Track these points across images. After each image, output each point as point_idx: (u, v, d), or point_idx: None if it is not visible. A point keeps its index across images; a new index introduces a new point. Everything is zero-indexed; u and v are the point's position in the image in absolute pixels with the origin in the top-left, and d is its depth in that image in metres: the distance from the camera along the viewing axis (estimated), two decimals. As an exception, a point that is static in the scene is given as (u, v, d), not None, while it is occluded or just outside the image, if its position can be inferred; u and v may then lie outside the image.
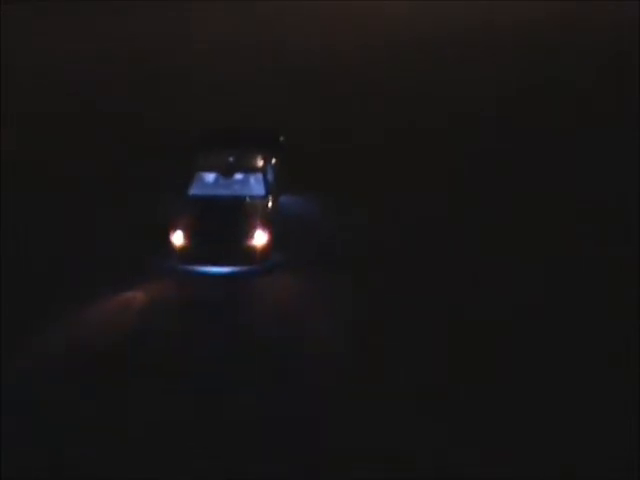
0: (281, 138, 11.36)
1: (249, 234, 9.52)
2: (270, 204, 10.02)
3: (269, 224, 9.62)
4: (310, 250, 9.72)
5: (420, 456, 6.25)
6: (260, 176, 10.21)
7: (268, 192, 10.12)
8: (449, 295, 8.33)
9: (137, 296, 8.95)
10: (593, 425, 6.48)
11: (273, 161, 10.64)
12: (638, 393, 6.75)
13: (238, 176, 10.23)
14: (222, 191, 10.17)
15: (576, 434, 6.40)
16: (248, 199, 10.01)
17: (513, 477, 6.06)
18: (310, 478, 6.21)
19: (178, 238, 9.47)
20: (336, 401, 6.89)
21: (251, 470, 6.27)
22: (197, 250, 9.55)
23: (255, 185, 10.18)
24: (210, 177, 10.30)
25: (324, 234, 10.03)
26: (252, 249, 9.54)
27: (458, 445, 6.33)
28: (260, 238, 9.48)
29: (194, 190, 10.15)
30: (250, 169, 10.32)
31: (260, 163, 10.39)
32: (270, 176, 10.34)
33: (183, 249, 9.52)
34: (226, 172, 10.23)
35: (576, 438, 6.36)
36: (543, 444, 6.33)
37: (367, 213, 10.30)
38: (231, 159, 10.42)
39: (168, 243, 9.44)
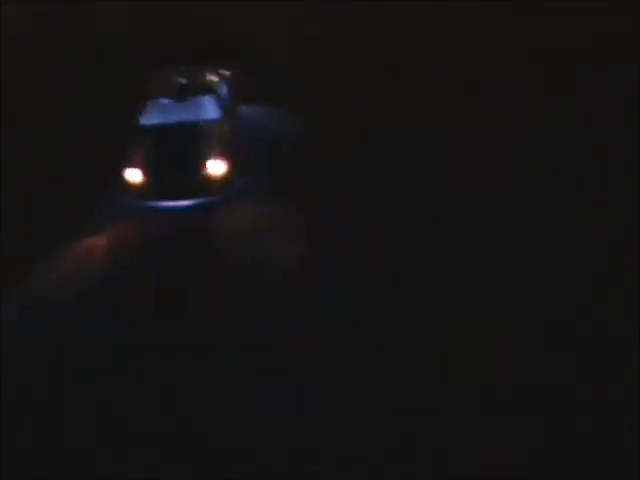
0: (232, 47, 11.01)
1: (207, 163, 8.94)
2: (227, 126, 9.34)
3: (228, 149, 9.05)
4: (273, 172, 9.20)
5: (420, 456, 6.25)
6: (214, 97, 9.54)
7: (224, 113, 9.42)
8: (446, 293, 8.36)
9: (98, 241, 8.64)
10: (593, 425, 6.48)
11: (228, 74, 10.00)
12: (638, 393, 6.74)
13: (190, 99, 9.53)
14: (174, 118, 9.48)
15: (576, 434, 6.40)
16: (203, 124, 9.32)
17: (513, 477, 6.06)
18: (310, 478, 6.20)
19: (133, 175, 8.96)
20: (329, 392, 6.90)
21: (250, 470, 6.27)
22: (154, 185, 9.00)
23: (209, 108, 9.52)
24: (161, 103, 9.61)
25: (288, 152, 9.52)
26: (211, 179, 8.97)
27: (458, 445, 6.34)
28: (218, 167, 8.92)
29: (145, 120, 9.52)
30: (203, 89, 9.59)
31: (213, 80, 9.70)
32: (225, 92, 9.65)
33: (139, 185, 9.01)
34: (177, 96, 9.56)
35: (576, 438, 6.36)
36: (543, 444, 6.32)
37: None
38: (182, 80, 9.71)
39: (124, 180, 8.98)
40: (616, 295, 8.18)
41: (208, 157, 8.93)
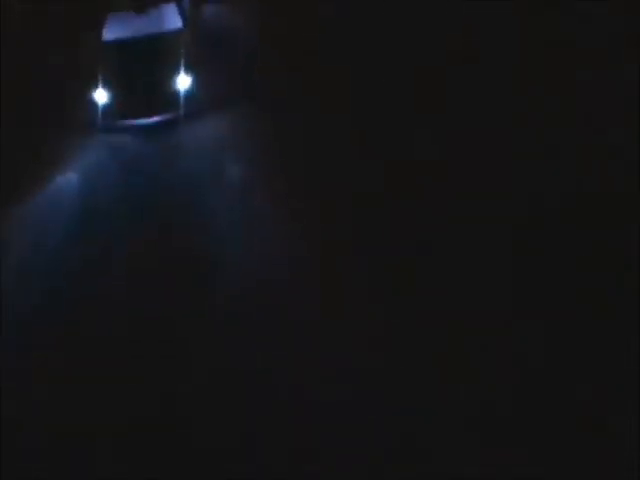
0: None
1: (170, 78, 8.79)
2: (190, 35, 9.13)
3: (192, 60, 8.90)
4: (239, 82, 9.00)
5: (420, 456, 6.25)
6: (175, 4, 9.26)
7: (186, 22, 9.17)
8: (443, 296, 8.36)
9: (71, 170, 8.54)
10: (593, 425, 6.47)
11: None
12: (638, 393, 6.74)
13: (151, 9, 9.24)
14: (137, 31, 9.18)
15: (576, 434, 6.39)
16: (166, 37, 9.05)
17: (513, 477, 6.06)
18: (310, 478, 6.20)
19: (99, 95, 8.86)
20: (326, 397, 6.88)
21: (250, 470, 6.26)
22: (119, 104, 8.92)
23: (171, 17, 9.23)
24: (122, 16, 9.30)
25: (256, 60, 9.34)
26: (176, 94, 8.84)
27: (458, 445, 6.33)
28: (183, 81, 8.78)
29: (107, 35, 9.22)
30: None
31: None
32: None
33: (105, 105, 8.93)
34: (138, 7, 9.23)
35: (576, 438, 6.36)
36: (543, 444, 6.32)
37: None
38: None
39: (90, 100, 8.83)
40: (616, 295, 8.18)
41: (172, 71, 8.79)
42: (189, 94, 8.88)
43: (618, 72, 14.03)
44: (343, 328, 7.82)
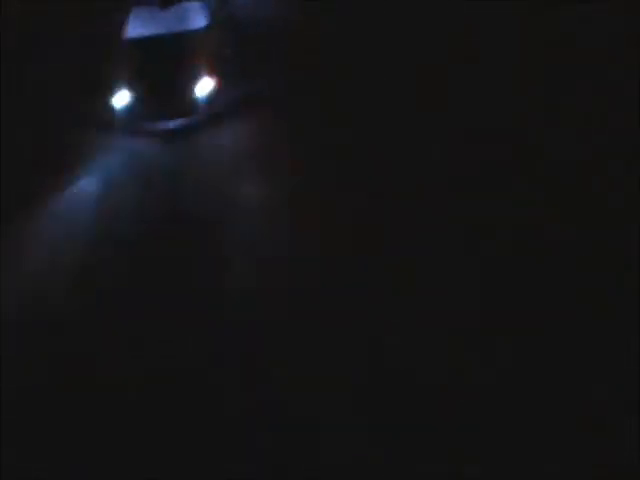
0: None
1: (193, 81, 8.49)
2: (216, 34, 8.83)
3: (216, 61, 8.62)
4: (266, 84, 8.83)
5: (420, 456, 6.25)
6: (200, 3, 8.95)
7: (212, 21, 8.90)
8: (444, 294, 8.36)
9: (88, 179, 8.46)
10: (593, 425, 6.48)
11: None
12: (638, 393, 6.74)
13: (176, 7, 8.89)
14: (160, 29, 8.84)
15: (576, 434, 6.40)
16: (189, 35, 8.73)
17: (513, 477, 6.06)
18: (310, 478, 6.20)
19: (120, 99, 8.60)
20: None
21: (250, 470, 6.26)
22: (139, 106, 8.63)
23: (196, 15, 8.93)
24: (145, 12, 8.97)
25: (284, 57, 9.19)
26: (198, 97, 8.54)
27: (458, 445, 6.34)
28: (206, 84, 8.53)
29: (129, 32, 8.92)
30: None
31: None
32: None
33: (126, 108, 8.65)
34: (162, 3, 8.95)
35: (576, 438, 6.36)
36: (543, 444, 6.32)
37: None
38: None
39: (110, 101, 8.63)
40: (616, 295, 8.18)
41: (195, 73, 8.49)
42: (212, 97, 8.65)
43: (618, 72, 14.05)
44: (342, 328, 7.84)
